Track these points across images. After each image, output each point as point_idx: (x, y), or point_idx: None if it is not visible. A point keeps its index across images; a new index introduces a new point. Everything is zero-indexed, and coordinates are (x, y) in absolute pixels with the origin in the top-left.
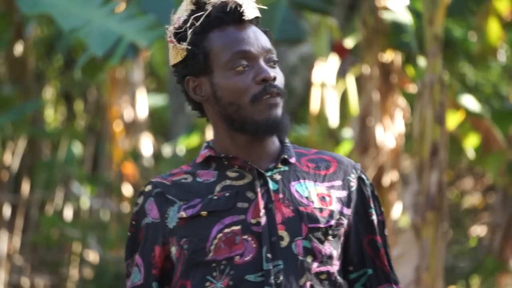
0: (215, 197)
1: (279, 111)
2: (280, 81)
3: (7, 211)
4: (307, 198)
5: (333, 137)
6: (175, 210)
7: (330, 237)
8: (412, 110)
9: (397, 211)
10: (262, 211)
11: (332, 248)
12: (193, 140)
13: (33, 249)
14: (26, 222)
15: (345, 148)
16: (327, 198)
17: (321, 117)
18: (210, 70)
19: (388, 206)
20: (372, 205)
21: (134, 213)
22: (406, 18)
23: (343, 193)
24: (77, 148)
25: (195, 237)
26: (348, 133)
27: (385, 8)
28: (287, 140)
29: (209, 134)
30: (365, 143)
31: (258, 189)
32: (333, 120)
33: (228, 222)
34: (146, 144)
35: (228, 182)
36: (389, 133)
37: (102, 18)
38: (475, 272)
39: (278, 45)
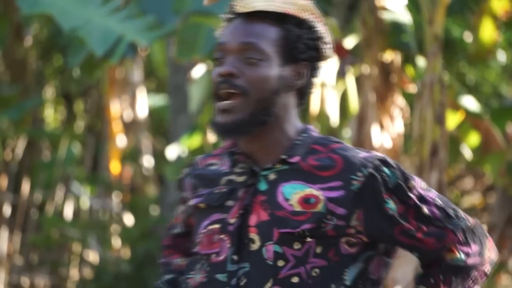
0: (216, 191)
1: (229, 116)
2: (244, 80)
3: (7, 211)
4: (287, 200)
5: (333, 137)
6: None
7: (308, 239)
8: (412, 110)
9: None
10: (239, 212)
11: (314, 248)
12: (195, 140)
13: (33, 249)
14: (26, 222)
15: None
16: (313, 200)
17: (321, 117)
18: None
19: None
20: (388, 199)
21: (179, 180)
22: (405, 18)
23: (339, 193)
24: (77, 148)
25: (195, 227)
26: (348, 133)
27: (385, 8)
28: (304, 134)
29: (211, 134)
30: (361, 143)
31: (244, 189)
32: (333, 120)
33: (214, 219)
34: (146, 144)
35: (232, 177)
36: (386, 133)
37: (102, 18)
38: None
39: None
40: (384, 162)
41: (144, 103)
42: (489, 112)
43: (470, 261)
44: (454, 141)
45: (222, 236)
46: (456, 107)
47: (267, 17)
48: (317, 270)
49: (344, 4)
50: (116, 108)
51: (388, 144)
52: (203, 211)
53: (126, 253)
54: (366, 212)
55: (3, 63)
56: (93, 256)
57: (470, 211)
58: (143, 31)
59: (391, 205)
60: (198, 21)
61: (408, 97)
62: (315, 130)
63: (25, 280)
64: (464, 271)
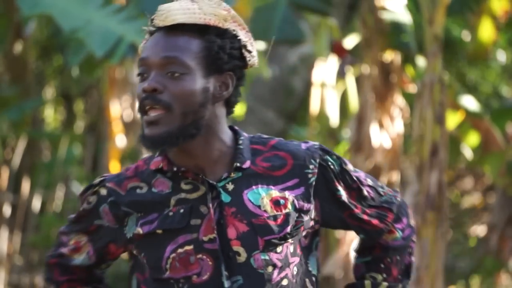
0: (170, 213)
1: (156, 129)
2: (168, 95)
3: (7, 211)
4: (259, 207)
5: (333, 137)
6: (133, 220)
7: (290, 240)
8: (412, 110)
9: None
10: (215, 228)
11: (289, 248)
12: None
13: (33, 249)
14: (26, 222)
15: (343, 148)
16: (282, 201)
17: (321, 117)
18: None
19: None
20: (338, 187)
21: (86, 209)
22: (405, 18)
23: (301, 190)
24: (77, 148)
25: (151, 255)
26: (348, 133)
27: (385, 8)
28: (241, 138)
29: None
30: (359, 142)
31: (210, 204)
32: (333, 120)
33: (181, 241)
34: None
35: (183, 195)
36: (385, 133)
37: (102, 19)
38: (475, 272)
39: (278, 45)
40: (324, 150)
41: None
42: (489, 112)
43: (405, 234)
44: (454, 141)
45: (199, 255)
46: (456, 107)
47: (188, 30)
48: (295, 268)
49: (344, 4)
50: (116, 108)
51: (387, 144)
52: (159, 237)
53: (126, 253)
54: (321, 202)
55: (3, 63)
56: None
57: (470, 211)
58: (143, 32)
59: (341, 191)
60: None
61: (408, 97)
62: (242, 130)
63: (25, 280)
64: (403, 247)
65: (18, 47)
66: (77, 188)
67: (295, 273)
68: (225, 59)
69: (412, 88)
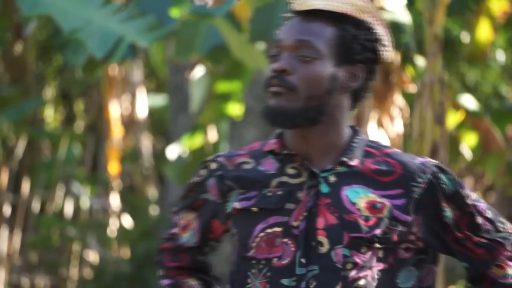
0: (269, 193)
1: (280, 101)
2: (297, 77)
3: (7, 211)
4: (354, 204)
5: None
6: (235, 195)
7: (377, 245)
8: (412, 110)
9: None
10: (304, 215)
11: (377, 253)
12: (197, 140)
13: (33, 249)
14: (26, 222)
15: None
16: (379, 206)
17: None
18: None
19: None
20: (445, 207)
21: (195, 182)
22: (405, 18)
23: (402, 201)
24: (77, 148)
25: (242, 231)
26: None
27: (384, 8)
28: (358, 137)
29: (212, 133)
30: None
31: (306, 191)
32: None
33: (272, 222)
34: (146, 144)
35: (285, 178)
36: (384, 133)
37: (102, 19)
38: None
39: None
40: (440, 168)
41: (144, 103)
42: (489, 112)
43: None
44: (454, 141)
45: (285, 239)
46: (456, 107)
47: (324, 16)
48: (379, 273)
49: None
50: (116, 108)
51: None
52: (253, 214)
53: (126, 253)
54: (424, 219)
55: (3, 63)
56: (93, 256)
57: None
58: (144, 31)
59: (448, 213)
60: (196, 21)
61: (408, 97)
62: (363, 132)
63: (25, 280)
64: None
65: (18, 47)
66: (77, 188)
67: (376, 277)
68: (357, 50)
69: (412, 88)
